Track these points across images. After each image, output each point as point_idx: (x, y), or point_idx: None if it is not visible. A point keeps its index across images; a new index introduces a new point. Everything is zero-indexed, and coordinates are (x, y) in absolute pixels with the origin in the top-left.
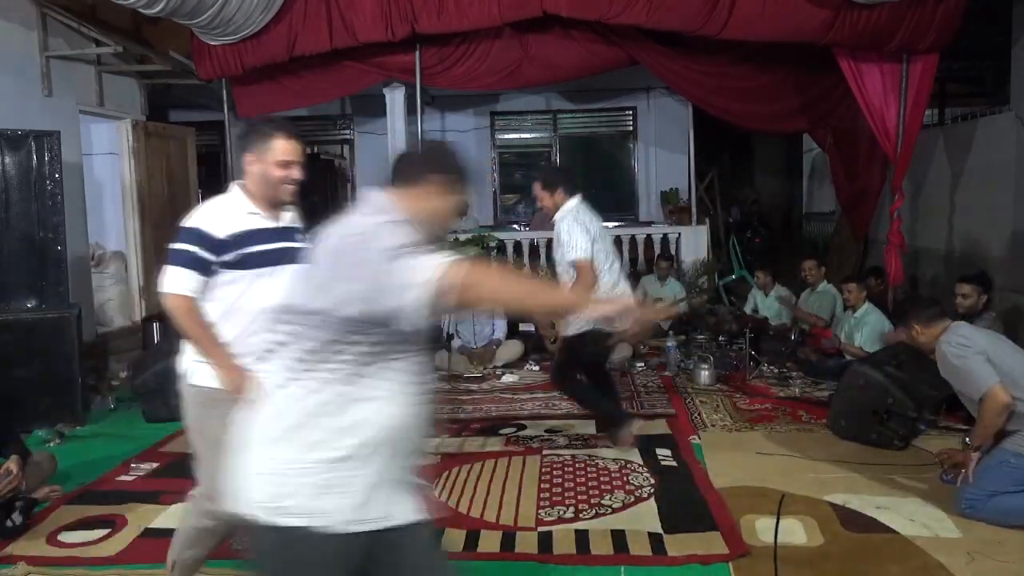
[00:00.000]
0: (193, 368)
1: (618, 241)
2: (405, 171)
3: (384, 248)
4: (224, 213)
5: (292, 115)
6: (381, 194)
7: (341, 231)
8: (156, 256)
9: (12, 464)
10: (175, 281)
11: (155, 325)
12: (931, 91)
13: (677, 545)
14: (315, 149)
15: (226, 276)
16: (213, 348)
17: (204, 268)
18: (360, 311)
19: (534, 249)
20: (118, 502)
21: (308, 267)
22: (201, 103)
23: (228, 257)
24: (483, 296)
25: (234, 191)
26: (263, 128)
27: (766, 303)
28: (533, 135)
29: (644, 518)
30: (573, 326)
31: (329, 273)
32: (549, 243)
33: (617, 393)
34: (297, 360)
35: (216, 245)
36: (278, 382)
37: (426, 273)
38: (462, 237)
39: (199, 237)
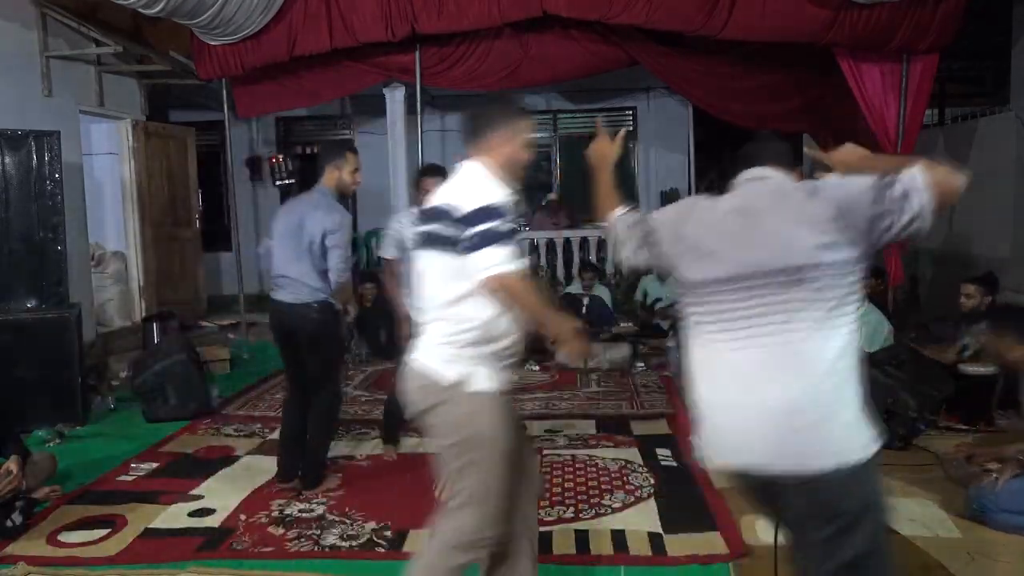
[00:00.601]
0: (472, 372)
1: None
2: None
3: None
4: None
5: (292, 115)
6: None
7: None
8: (156, 256)
9: (12, 464)
10: (515, 259)
11: (155, 325)
12: (931, 91)
13: (677, 545)
14: (315, 149)
15: None
16: (560, 320)
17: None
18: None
19: (534, 248)
20: (118, 502)
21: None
22: (201, 103)
23: None
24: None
25: (481, 170)
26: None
27: None
28: (533, 135)
29: (644, 518)
30: None
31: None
32: (549, 243)
33: None
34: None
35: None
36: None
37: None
38: None
39: (506, 212)
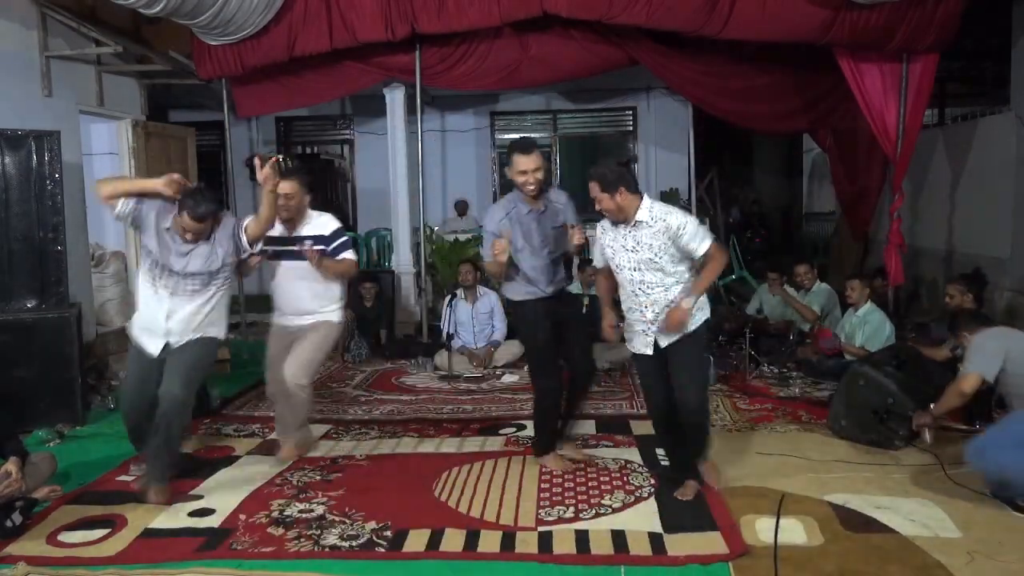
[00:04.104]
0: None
1: None
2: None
3: None
4: None
5: (292, 115)
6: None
7: None
8: None
9: (11, 466)
10: None
11: None
12: (931, 91)
13: (677, 545)
14: (315, 149)
15: None
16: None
17: None
18: None
19: None
20: (118, 502)
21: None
22: (201, 103)
23: None
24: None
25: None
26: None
27: (772, 302)
28: (533, 135)
29: (644, 518)
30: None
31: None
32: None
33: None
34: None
35: None
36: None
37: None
38: (462, 237)
39: None
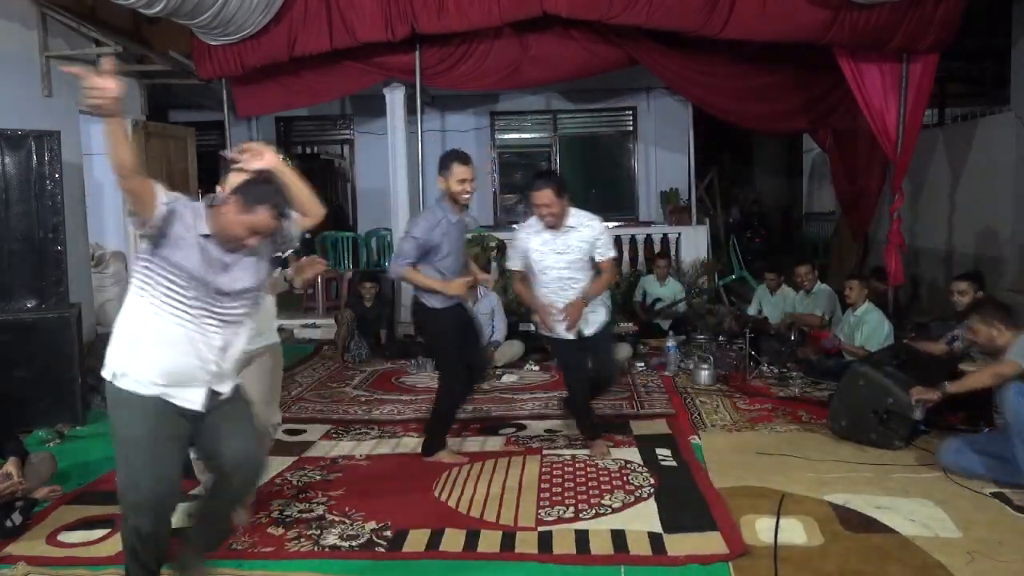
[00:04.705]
0: None
1: (618, 241)
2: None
3: None
4: None
5: (292, 115)
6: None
7: None
8: None
9: (12, 466)
10: None
11: None
12: (931, 91)
13: (677, 545)
14: (315, 149)
15: None
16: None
17: None
18: None
19: None
20: (118, 502)
21: None
22: (201, 103)
23: None
24: None
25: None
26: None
27: (772, 302)
28: (533, 135)
29: (644, 518)
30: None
31: None
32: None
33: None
34: None
35: None
36: None
37: None
38: None
39: None
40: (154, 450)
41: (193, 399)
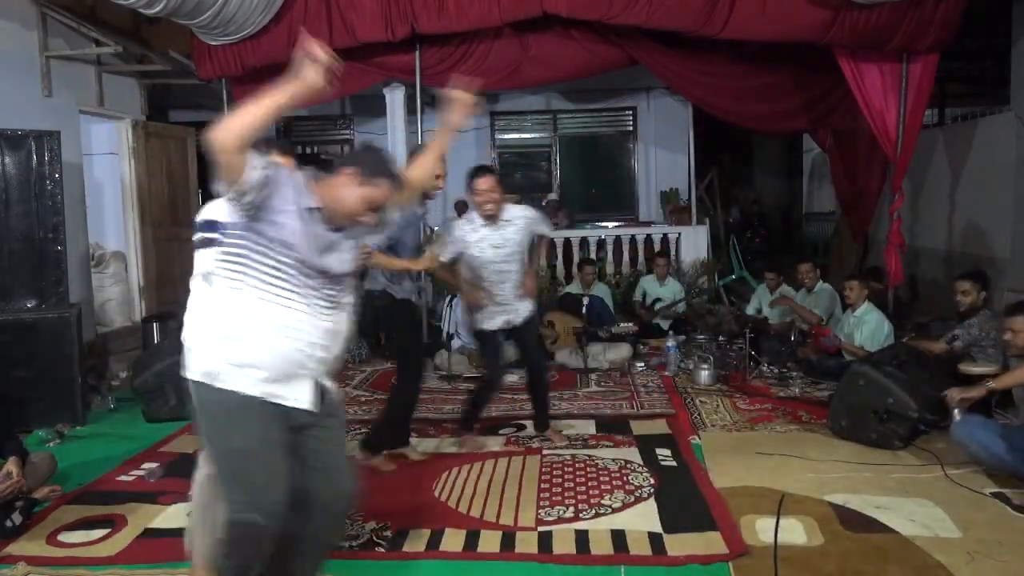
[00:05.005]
0: None
1: (618, 241)
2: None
3: None
4: None
5: (292, 115)
6: None
7: None
8: (156, 256)
9: (12, 466)
10: None
11: (155, 325)
12: (931, 91)
13: (677, 545)
14: (315, 149)
15: None
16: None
17: None
18: None
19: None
20: (118, 502)
21: None
22: (201, 103)
23: None
24: None
25: None
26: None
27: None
28: (533, 135)
29: (644, 518)
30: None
31: None
32: (549, 243)
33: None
34: None
35: None
36: None
37: None
38: None
39: None
40: (272, 459)
41: (301, 396)
